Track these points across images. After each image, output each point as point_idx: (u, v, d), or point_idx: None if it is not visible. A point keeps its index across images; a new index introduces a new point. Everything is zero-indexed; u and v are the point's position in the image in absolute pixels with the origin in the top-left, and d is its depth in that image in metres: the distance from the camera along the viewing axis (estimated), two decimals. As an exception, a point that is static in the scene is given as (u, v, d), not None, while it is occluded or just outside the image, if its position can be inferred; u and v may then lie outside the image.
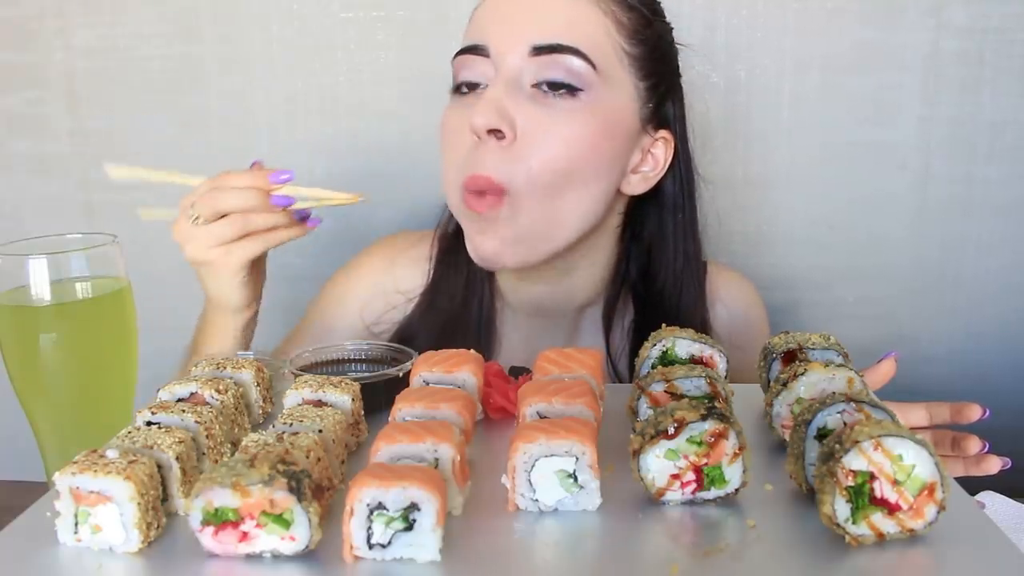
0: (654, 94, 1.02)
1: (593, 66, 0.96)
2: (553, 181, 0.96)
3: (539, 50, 0.96)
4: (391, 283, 1.18)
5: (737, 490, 0.63)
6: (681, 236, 1.09)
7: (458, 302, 1.11)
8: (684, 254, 1.09)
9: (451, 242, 1.13)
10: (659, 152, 1.04)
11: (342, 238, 1.48)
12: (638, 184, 1.04)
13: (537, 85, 0.96)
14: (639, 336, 1.06)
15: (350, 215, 1.47)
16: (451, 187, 1.01)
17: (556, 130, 0.96)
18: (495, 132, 0.95)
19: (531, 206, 0.96)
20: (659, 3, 1.07)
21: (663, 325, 0.83)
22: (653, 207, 1.07)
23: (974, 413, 0.91)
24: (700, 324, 1.11)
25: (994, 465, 0.91)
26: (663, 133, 1.04)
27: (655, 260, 1.09)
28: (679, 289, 1.09)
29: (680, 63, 1.09)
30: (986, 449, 0.90)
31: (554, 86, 0.96)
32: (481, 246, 0.99)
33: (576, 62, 0.95)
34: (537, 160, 0.95)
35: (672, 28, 1.07)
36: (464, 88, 1.01)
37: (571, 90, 0.96)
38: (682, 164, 1.07)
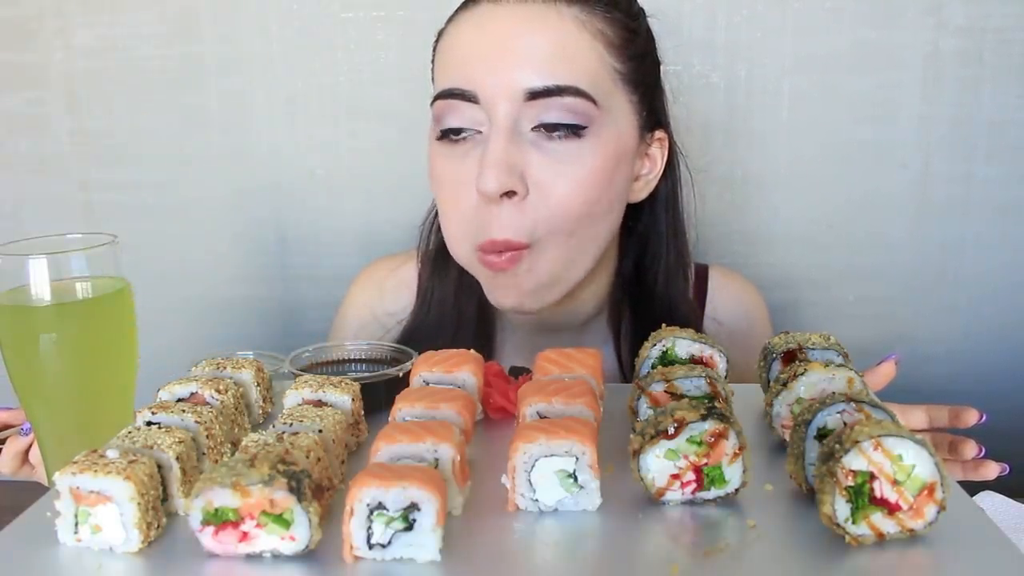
0: (645, 100, 0.99)
1: (594, 101, 0.92)
2: (570, 225, 0.94)
3: (535, 94, 0.90)
4: (381, 307, 1.18)
5: (737, 490, 0.63)
6: (672, 231, 1.08)
7: (450, 325, 1.10)
8: (675, 248, 1.08)
9: (437, 264, 1.11)
10: (656, 152, 1.03)
11: (342, 238, 1.48)
12: (642, 190, 1.03)
13: (537, 128, 0.92)
14: (636, 334, 1.06)
15: (350, 215, 1.48)
16: (458, 243, 0.98)
17: (566, 175, 0.92)
18: (507, 193, 0.91)
19: (551, 254, 0.94)
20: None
21: (663, 325, 0.83)
22: (646, 204, 1.06)
23: (971, 417, 0.90)
24: (691, 318, 1.11)
25: (992, 471, 0.91)
26: (658, 133, 1.03)
27: (649, 257, 1.08)
28: (671, 284, 1.08)
29: (657, 49, 1.04)
30: (982, 454, 0.90)
31: (556, 127, 0.91)
32: (503, 299, 0.97)
33: (576, 101, 0.91)
34: (552, 210, 0.92)
35: (643, 12, 1.02)
36: (452, 135, 0.95)
37: (574, 129, 0.92)
38: (670, 157, 1.06)
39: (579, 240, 0.95)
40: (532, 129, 0.92)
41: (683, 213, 1.10)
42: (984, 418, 0.90)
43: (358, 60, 1.42)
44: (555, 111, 0.91)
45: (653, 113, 1.02)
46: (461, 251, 0.99)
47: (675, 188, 1.08)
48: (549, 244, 0.94)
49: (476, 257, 0.96)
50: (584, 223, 0.95)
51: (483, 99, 0.92)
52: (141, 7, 1.42)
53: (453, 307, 1.10)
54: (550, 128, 0.92)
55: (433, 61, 1.01)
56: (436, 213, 1.12)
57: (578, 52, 0.92)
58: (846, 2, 1.36)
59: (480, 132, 0.94)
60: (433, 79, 1.01)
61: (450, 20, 0.99)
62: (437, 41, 1.01)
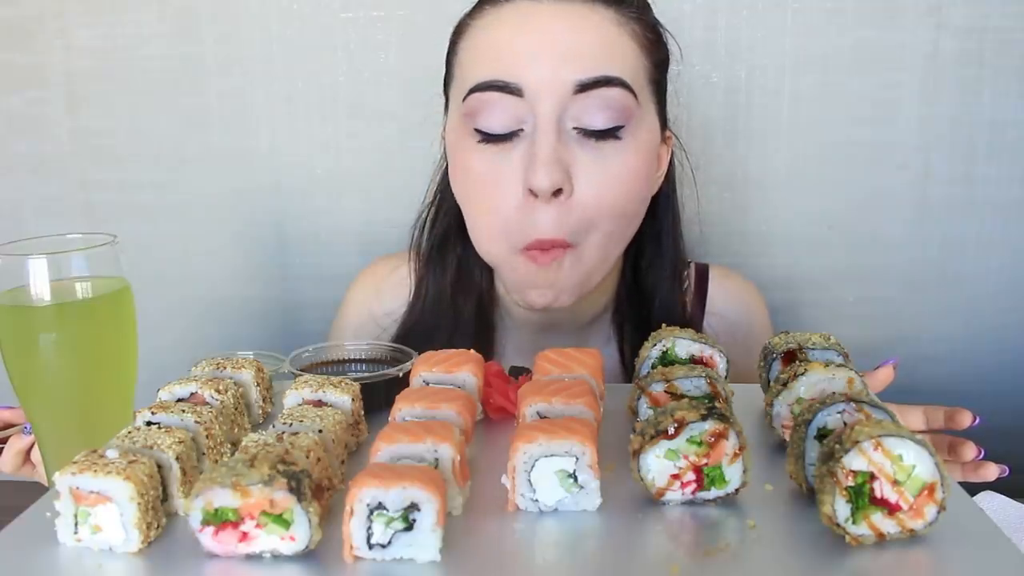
0: (663, 101, 1.01)
1: (635, 95, 0.93)
2: (610, 224, 0.95)
3: (584, 86, 0.91)
4: (379, 307, 1.18)
5: (737, 490, 0.63)
6: (671, 231, 1.09)
7: (447, 324, 1.09)
8: (674, 247, 1.09)
9: (432, 262, 1.11)
10: (663, 152, 1.04)
11: (342, 238, 1.48)
12: (652, 189, 1.04)
13: (580, 129, 0.92)
14: (635, 334, 1.06)
15: (348, 215, 1.48)
16: (494, 243, 0.98)
17: (610, 173, 0.93)
18: (555, 192, 0.91)
19: (590, 253, 0.95)
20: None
21: (663, 324, 0.83)
22: (649, 205, 1.07)
23: (965, 419, 0.90)
24: (690, 318, 1.11)
25: (992, 472, 0.91)
26: (666, 133, 1.04)
27: (649, 257, 1.09)
28: (670, 284, 1.09)
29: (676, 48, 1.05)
30: (981, 456, 0.90)
31: (597, 133, 0.92)
32: (538, 299, 0.97)
33: (621, 94, 0.91)
34: (596, 209, 0.93)
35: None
36: (494, 138, 0.94)
37: (617, 129, 0.92)
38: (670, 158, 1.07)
39: (614, 239, 0.97)
40: (574, 127, 0.92)
41: (681, 213, 1.10)
42: (978, 420, 0.90)
43: (358, 60, 1.42)
44: (598, 108, 0.91)
45: (663, 112, 1.03)
46: (497, 250, 0.98)
47: (674, 188, 1.09)
48: (588, 243, 0.94)
49: (518, 255, 0.95)
50: (622, 221, 0.96)
51: (528, 93, 0.91)
52: (141, 7, 1.42)
53: (450, 306, 1.10)
54: (591, 133, 0.92)
55: (454, 56, 1.00)
56: (429, 211, 1.12)
57: (621, 48, 0.93)
58: (846, 2, 1.36)
59: (522, 129, 0.93)
60: (454, 75, 1.00)
61: (474, 15, 0.98)
62: (457, 36, 0.99)
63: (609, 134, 0.92)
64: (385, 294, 1.18)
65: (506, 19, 0.95)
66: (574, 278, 0.96)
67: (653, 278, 1.09)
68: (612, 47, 0.93)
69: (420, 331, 1.10)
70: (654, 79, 0.98)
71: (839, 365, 0.72)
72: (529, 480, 0.62)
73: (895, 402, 0.84)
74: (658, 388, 0.72)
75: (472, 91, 0.94)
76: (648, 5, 1.01)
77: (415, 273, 1.15)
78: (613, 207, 0.94)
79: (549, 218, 0.92)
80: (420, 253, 1.14)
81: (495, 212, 0.95)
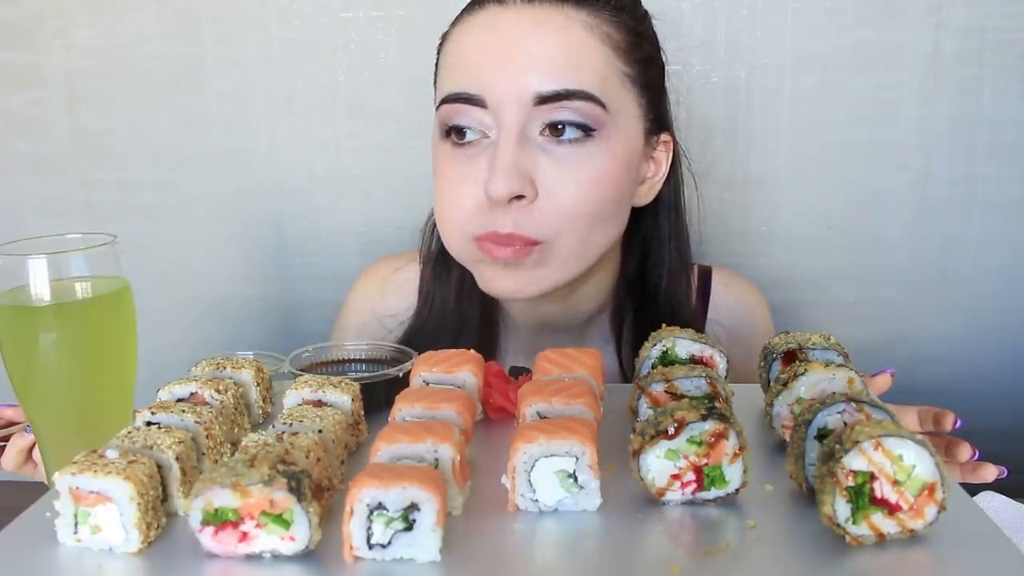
0: (652, 103, 1.00)
1: (603, 105, 0.92)
2: (578, 228, 0.94)
3: (545, 99, 0.90)
4: (382, 307, 1.18)
5: (737, 490, 0.63)
6: (674, 233, 1.08)
7: (452, 326, 1.09)
8: (678, 250, 1.08)
9: (439, 265, 1.11)
10: (661, 155, 1.03)
11: (342, 238, 1.48)
12: (647, 193, 1.03)
13: (545, 131, 0.92)
14: (638, 336, 1.06)
15: (349, 215, 1.48)
16: (455, 238, 0.98)
17: (575, 179, 0.92)
18: (516, 196, 0.91)
19: (562, 254, 0.94)
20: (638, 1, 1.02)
21: (663, 325, 0.83)
22: (649, 207, 1.06)
23: (947, 422, 0.90)
24: (692, 320, 1.11)
25: (990, 473, 0.91)
26: (663, 136, 1.03)
27: (652, 259, 1.08)
28: (673, 287, 1.08)
29: (662, 50, 1.04)
30: (976, 456, 0.90)
31: (565, 126, 0.91)
32: (500, 285, 0.96)
33: (585, 105, 0.91)
34: (560, 213, 0.92)
35: (649, 15, 1.02)
36: (457, 135, 0.95)
37: (584, 131, 0.92)
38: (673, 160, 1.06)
39: (585, 243, 0.95)
40: (540, 132, 0.92)
41: (685, 215, 1.10)
42: (959, 423, 0.90)
43: (358, 60, 1.42)
44: (564, 114, 0.91)
45: (659, 116, 1.02)
46: (456, 242, 0.98)
47: (677, 191, 1.08)
48: (559, 246, 0.94)
49: (473, 246, 0.95)
50: (591, 226, 0.95)
51: (491, 103, 0.92)
52: (141, 7, 1.42)
53: (455, 309, 1.10)
54: (559, 129, 0.91)
55: (437, 64, 1.01)
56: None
57: (587, 56, 0.92)
58: (846, 2, 1.36)
59: (487, 136, 0.94)
60: (436, 83, 1.01)
61: (454, 23, 0.99)
62: (441, 44, 1.00)
63: (577, 134, 0.92)
64: (389, 294, 1.18)
65: (477, 27, 0.95)
66: (539, 272, 0.95)
67: (656, 281, 1.08)
68: (577, 54, 0.91)
69: (426, 334, 1.10)
70: (635, 80, 0.96)
71: (839, 365, 0.72)
72: (529, 480, 0.62)
73: (893, 403, 0.84)
74: (658, 388, 0.72)
75: (443, 101, 0.96)
76: (629, 3, 0.98)
77: (422, 278, 1.15)
78: (580, 212, 0.93)
79: (508, 220, 0.92)
80: (427, 257, 1.14)
81: (456, 208, 0.96)
